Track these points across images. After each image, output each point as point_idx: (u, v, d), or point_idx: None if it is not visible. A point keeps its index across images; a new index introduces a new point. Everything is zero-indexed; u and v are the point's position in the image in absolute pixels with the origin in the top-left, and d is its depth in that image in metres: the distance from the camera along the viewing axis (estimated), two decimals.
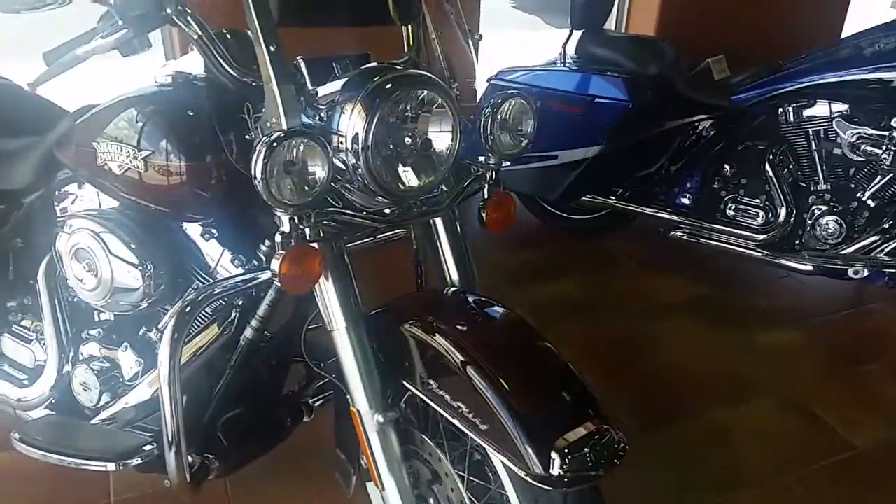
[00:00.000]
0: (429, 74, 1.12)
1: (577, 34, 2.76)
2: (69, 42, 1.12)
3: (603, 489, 1.06)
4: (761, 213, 2.56)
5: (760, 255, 2.55)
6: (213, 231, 1.28)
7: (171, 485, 1.19)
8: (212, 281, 1.27)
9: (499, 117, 1.17)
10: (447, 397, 1.05)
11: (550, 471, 0.94)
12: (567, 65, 2.75)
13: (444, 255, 1.28)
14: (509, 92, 1.19)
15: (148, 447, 1.29)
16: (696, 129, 2.67)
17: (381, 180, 1.06)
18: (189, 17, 1.07)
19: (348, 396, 1.14)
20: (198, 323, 1.32)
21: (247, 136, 1.09)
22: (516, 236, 3.31)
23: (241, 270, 1.25)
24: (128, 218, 1.28)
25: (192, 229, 1.30)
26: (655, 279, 2.87)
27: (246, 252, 1.26)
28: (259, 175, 0.95)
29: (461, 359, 1.03)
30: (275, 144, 0.95)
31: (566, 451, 0.95)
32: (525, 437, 0.96)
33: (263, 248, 1.24)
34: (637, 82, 2.56)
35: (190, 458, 1.34)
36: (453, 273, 1.27)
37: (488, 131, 1.17)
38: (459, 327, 1.10)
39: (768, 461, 1.93)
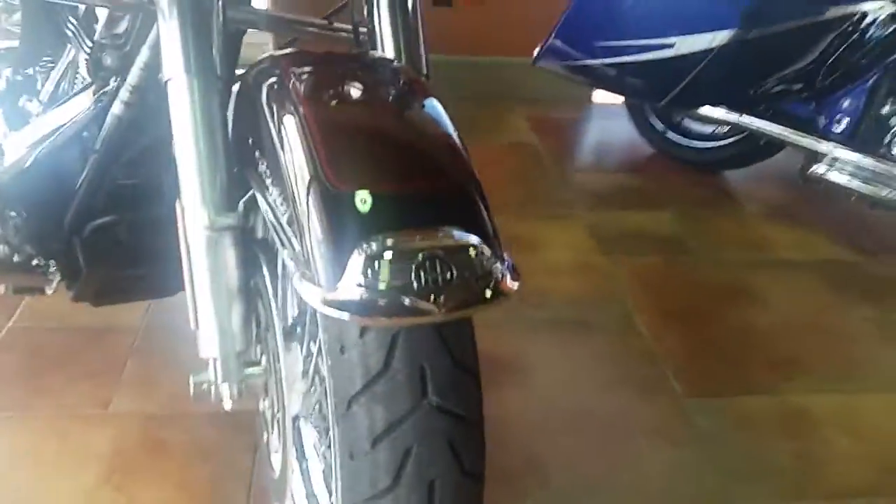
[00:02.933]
0: None
1: None
2: None
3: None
4: None
5: None
6: None
7: None
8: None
9: None
10: (269, 181, 0.69)
11: (343, 288, 0.56)
12: None
13: (378, 19, 0.88)
14: None
15: None
16: (868, 22, 1.94)
17: None
18: None
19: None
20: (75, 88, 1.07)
21: None
22: (615, 158, 2.79)
23: None
24: None
25: None
26: (780, 231, 2.24)
27: None
28: None
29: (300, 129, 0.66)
30: None
31: (384, 259, 0.55)
32: (325, 223, 0.58)
33: None
34: None
35: (36, 261, 1.08)
36: (387, 43, 0.88)
37: None
38: (333, 91, 0.72)
39: (853, 471, 1.36)
